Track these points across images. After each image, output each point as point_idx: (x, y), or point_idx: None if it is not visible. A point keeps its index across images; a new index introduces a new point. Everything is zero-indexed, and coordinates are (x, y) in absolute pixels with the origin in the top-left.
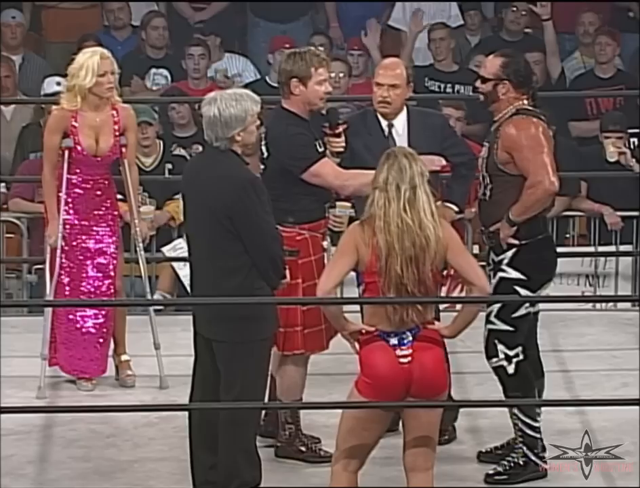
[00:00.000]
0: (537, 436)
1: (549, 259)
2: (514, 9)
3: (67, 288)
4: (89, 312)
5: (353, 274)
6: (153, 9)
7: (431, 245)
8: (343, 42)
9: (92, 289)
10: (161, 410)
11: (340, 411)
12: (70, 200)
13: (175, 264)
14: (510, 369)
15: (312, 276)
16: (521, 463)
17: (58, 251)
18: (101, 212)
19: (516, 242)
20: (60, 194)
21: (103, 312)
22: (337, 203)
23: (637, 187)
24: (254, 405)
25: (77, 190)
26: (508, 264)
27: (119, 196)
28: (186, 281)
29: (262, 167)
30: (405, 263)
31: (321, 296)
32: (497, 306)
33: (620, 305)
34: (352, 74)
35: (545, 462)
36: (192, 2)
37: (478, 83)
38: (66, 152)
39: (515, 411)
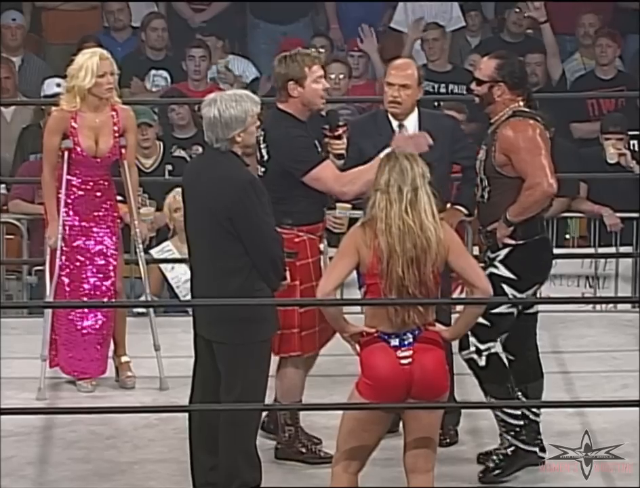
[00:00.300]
0: (520, 423)
1: (543, 261)
2: (517, 10)
3: (67, 289)
4: (90, 313)
5: (354, 275)
6: (153, 10)
7: (432, 246)
8: (343, 43)
9: (92, 290)
10: (161, 411)
11: (340, 412)
12: (70, 201)
13: (162, 267)
14: (481, 362)
15: (309, 278)
16: (509, 453)
17: (58, 252)
18: (101, 213)
19: (512, 242)
20: (60, 195)
21: (103, 313)
22: (338, 205)
23: (637, 188)
24: (254, 406)
25: (77, 192)
26: (501, 261)
27: (119, 198)
28: (174, 283)
29: (262, 169)
30: (406, 265)
31: (320, 298)
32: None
33: (620, 306)
34: (352, 75)
35: (542, 453)
36: (192, 2)
37: (473, 85)
38: (66, 153)
39: (494, 402)
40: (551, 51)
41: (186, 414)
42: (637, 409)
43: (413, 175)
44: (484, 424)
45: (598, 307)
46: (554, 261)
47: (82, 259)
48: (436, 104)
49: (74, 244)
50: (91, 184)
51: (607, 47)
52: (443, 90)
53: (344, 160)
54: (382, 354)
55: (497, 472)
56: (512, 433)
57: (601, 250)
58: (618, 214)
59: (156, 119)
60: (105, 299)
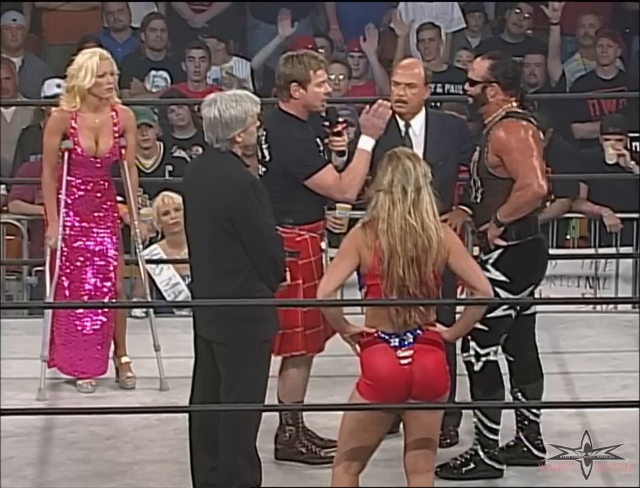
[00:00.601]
0: (495, 438)
1: (536, 262)
2: (518, 10)
3: (67, 290)
4: (90, 313)
5: (355, 276)
6: (153, 10)
7: (433, 246)
8: (343, 44)
9: (93, 291)
10: (161, 412)
11: (340, 412)
12: (70, 201)
13: (150, 270)
14: (477, 367)
15: (312, 277)
16: (472, 463)
17: (58, 253)
18: (101, 214)
19: (503, 243)
20: (60, 195)
21: (104, 314)
22: (337, 205)
23: (637, 189)
24: (254, 407)
25: (77, 192)
26: (493, 264)
27: (119, 198)
28: (162, 287)
29: (263, 169)
30: (407, 265)
31: (321, 298)
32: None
33: (620, 307)
34: (352, 76)
35: (501, 464)
36: (192, 3)
37: (467, 86)
38: (66, 154)
39: (477, 411)
40: (553, 53)
41: (186, 415)
42: (637, 409)
43: (416, 175)
44: None
45: (598, 307)
46: (555, 262)
47: (82, 259)
48: (433, 104)
49: (75, 244)
50: (91, 184)
51: (607, 47)
52: (439, 90)
53: (348, 157)
54: (382, 354)
55: (454, 470)
56: (482, 444)
57: (601, 250)
58: (618, 215)
59: (156, 120)
60: (105, 300)
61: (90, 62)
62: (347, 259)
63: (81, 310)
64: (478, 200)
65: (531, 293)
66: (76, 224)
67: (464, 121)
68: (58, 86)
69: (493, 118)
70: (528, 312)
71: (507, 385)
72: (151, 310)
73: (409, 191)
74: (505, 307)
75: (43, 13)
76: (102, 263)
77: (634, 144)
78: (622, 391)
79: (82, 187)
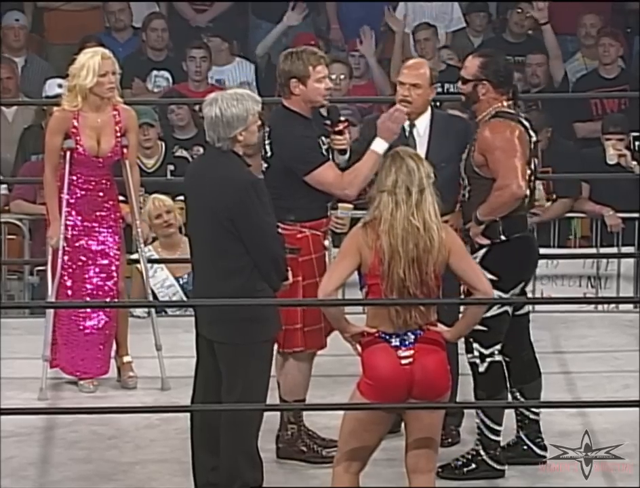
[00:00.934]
0: (497, 439)
1: (524, 260)
2: (519, 10)
3: (70, 289)
4: (92, 313)
5: (356, 276)
6: (154, 10)
7: (435, 246)
8: (344, 43)
9: (95, 290)
10: (162, 411)
11: (341, 412)
12: (72, 201)
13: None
14: (482, 368)
15: (312, 274)
16: (473, 464)
17: (60, 253)
18: (103, 213)
19: (486, 242)
20: (62, 195)
21: (106, 313)
22: (340, 205)
23: (638, 188)
24: (256, 407)
25: (79, 192)
26: (480, 263)
27: (121, 198)
28: (156, 289)
29: (265, 165)
30: (408, 266)
31: (322, 298)
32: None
33: (622, 306)
34: (352, 75)
35: (502, 464)
36: (193, 3)
37: (459, 84)
38: (68, 154)
39: (478, 411)
40: (553, 54)
41: (188, 414)
42: (638, 409)
43: (420, 175)
44: None
45: (600, 307)
46: (557, 262)
47: (84, 259)
48: (432, 103)
49: (77, 244)
50: (93, 183)
51: (609, 46)
52: (438, 89)
53: (351, 155)
54: (383, 354)
55: (456, 471)
56: (484, 445)
57: (603, 250)
58: (620, 214)
59: (157, 120)
60: (108, 299)
61: (92, 61)
62: (348, 258)
63: (82, 310)
64: (466, 198)
65: (523, 292)
66: (78, 224)
67: (469, 123)
68: (59, 86)
69: (484, 117)
70: (521, 312)
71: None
72: (153, 310)
73: (413, 192)
74: (498, 305)
75: (44, 13)
76: (104, 262)
77: (636, 142)
78: (623, 391)
79: (84, 186)
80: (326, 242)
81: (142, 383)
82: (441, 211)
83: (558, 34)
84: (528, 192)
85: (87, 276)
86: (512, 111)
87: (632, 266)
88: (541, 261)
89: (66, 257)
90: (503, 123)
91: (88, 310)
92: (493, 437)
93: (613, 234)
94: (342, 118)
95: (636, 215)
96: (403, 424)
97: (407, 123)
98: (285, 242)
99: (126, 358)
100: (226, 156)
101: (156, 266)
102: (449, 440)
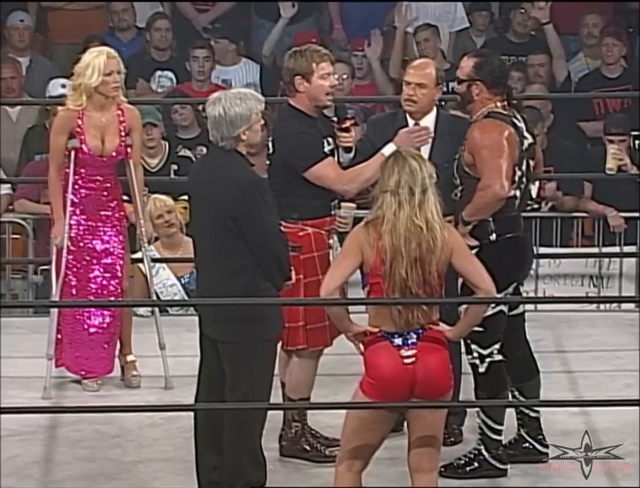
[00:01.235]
0: (499, 438)
1: (517, 260)
2: (523, 10)
3: (74, 288)
4: (97, 312)
5: (358, 275)
6: (158, 10)
7: (437, 246)
8: (346, 43)
9: (99, 290)
10: (166, 410)
11: (344, 411)
12: (76, 200)
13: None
14: (482, 368)
15: (314, 272)
16: (476, 463)
17: (64, 252)
18: (107, 213)
19: (475, 243)
20: (66, 194)
21: (110, 313)
22: (342, 204)
23: (638, 189)
24: (259, 406)
25: (83, 191)
26: None
27: (125, 197)
28: (158, 289)
29: (268, 162)
30: (410, 266)
31: (324, 297)
32: (464, 307)
33: (624, 306)
34: (355, 75)
35: (504, 464)
36: (196, 3)
37: (455, 84)
38: (72, 153)
39: (480, 411)
40: (556, 53)
41: (191, 413)
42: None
43: (423, 176)
44: None
45: (602, 306)
46: (559, 261)
47: (89, 258)
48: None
49: (81, 243)
50: (97, 183)
51: (612, 46)
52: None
53: (355, 154)
54: (386, 353)
55: (459, 470)
56: (486, 445)
57: (605, 250)
58: (622, 214)
59: (160, 119)
60: (112, 299)
61: (97, 60)
62: (349, 257)
63: (87, 309)
64: (458, 197)
65: (517, 292)
66: (83, 223)
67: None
68: (63, 86)
69: (477, 117)
70: (516, 312)
71: None
72: (156, 309)
73: (415, 192)
74: (492, 304)
75: (48, 13)
76: (108, 261)
77: (637, 142)
78: (625, 390)
79: (88, 186)
80: (331, 241)
81: (145, 382)
82: (443, 211)
83: (560, 34)
84: (518, 193)
85: (91, 275)
86: (505, 112)
87: (635, 265)
88: (543, 261)
89: (70, 257)
90: (493, 123)
91: (92, 309)
92: (494, 437)
93: (615, 233)
94: (349, 116)
95: (638, 214)
96: (405, 423)
97: (411, 123)
98: (287, 239)
99: (130, 357)
100: (230, 155)
101: (158, 265)
102: (452, 439)
